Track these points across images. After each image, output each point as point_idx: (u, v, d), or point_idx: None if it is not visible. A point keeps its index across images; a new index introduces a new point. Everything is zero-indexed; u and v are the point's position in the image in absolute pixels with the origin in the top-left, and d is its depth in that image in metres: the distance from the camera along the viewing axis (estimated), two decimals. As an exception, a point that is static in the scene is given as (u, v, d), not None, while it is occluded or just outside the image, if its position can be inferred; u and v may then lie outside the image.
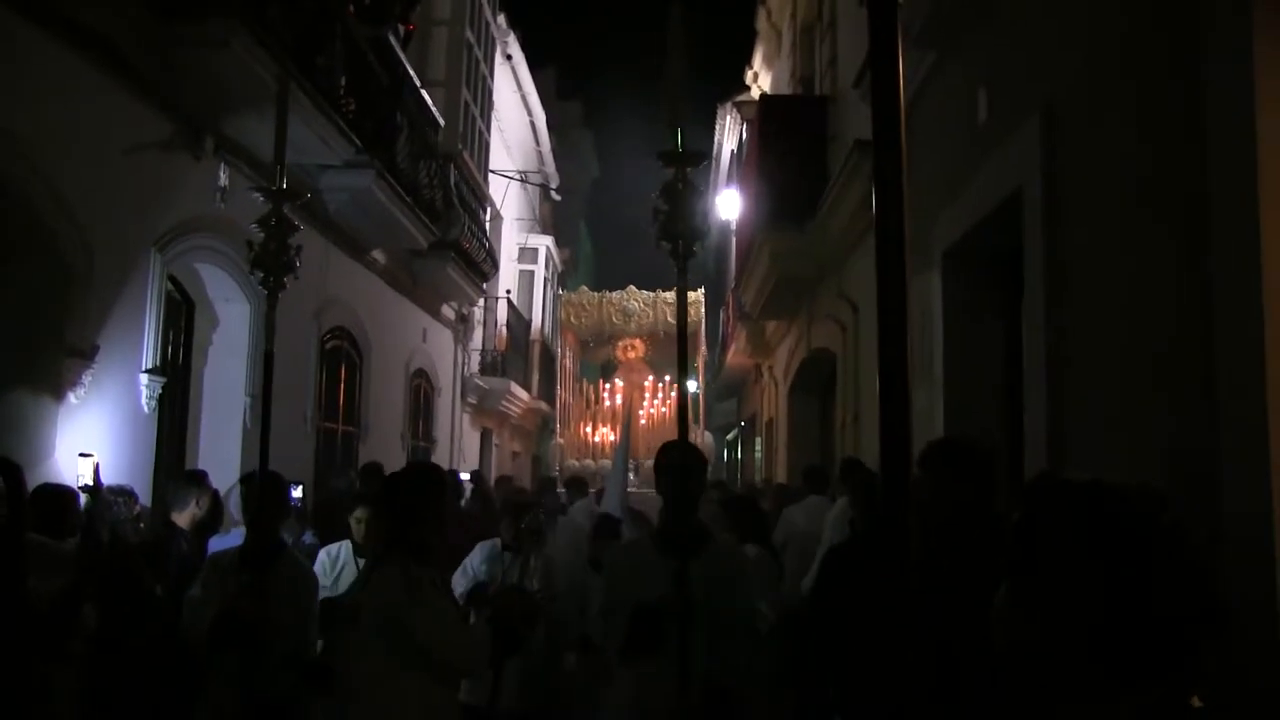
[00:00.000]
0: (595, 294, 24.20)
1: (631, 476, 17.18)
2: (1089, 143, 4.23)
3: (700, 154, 4.01)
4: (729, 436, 26.34)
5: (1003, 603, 1.38)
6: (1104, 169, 4.10)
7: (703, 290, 22.71)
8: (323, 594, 5.92)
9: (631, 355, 23.05)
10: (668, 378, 22.34)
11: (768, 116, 12.01)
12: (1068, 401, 4.34)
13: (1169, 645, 1.25)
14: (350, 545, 6.36)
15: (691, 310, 19.37)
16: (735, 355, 19.38)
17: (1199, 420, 3.19)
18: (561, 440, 22.15)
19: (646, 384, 22.19)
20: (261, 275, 4.27)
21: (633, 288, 22.26)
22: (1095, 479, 1.33)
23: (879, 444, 1.38)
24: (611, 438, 21.04)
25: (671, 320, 20.64)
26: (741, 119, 18.27)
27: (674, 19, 3.94)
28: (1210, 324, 3.15)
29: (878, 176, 1.36)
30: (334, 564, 6.27)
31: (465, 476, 11.22)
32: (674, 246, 3.93)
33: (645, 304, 21.79)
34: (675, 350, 3.98)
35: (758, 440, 17.95)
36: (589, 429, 21.78)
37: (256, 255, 4.28)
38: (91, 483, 5.51)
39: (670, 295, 20.53)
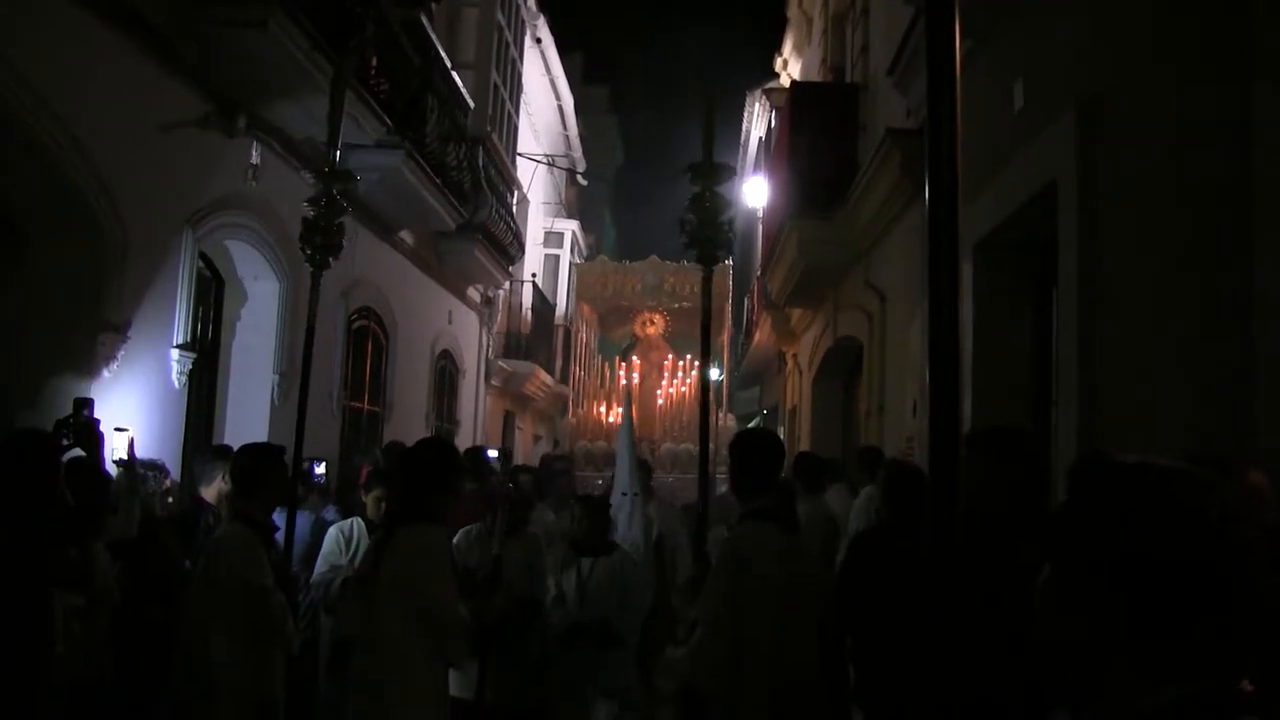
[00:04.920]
0: (614, 263, 23.92)
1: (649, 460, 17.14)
2: (1126, 135, 4.21)
3: (729, 168, 4.09)
4: (751, 425, 26.30)
5: (1046, 587, 1.38)
6: (1141, 162, 4.08)
7: (729, 260, 22.51)
8: (338, 570, 5.98)
9: (651, 331, 22.78)
10: (689, 356, 22.13)
11: (798, 104, 11.96)
12: (1098, 395, 4.33)
13: (1218, 632, 1.26)
14: (363, 522, 6.38)
15: (717, 280, 19.21)
16: (760, 342, 19.35)
17: (1234, 416, 3.18)
18: (574, 420, 22.02)
19: (666, 363, 21.99)
20: (309, 253, 4.36)
21: (655, 258, 22.03)
22: (1143, 461, 1.34)
23: (928, 433, 1.39)
24: (627, 418, 20.95)
25: (694, 290, 20.52)
26: (771, 106, 18.20)
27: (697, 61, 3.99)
28: (1248, 319, 3.13)
29: (931, 162, 1.37)
30: (349, 541, 6.26)
31: (493, 454, 11.16)
32: (700, 253, 3.99)
33: (669, 274, 21.52)
34: (696, 326, 4.04)
35: (780, 429, 17.93)
36: (603, 409, 21.60)
37: (305, 231, 4.38)
38: (126, 457, 5.57)
39: (694, 266, 20.41)
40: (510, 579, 6.29)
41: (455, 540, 6.40)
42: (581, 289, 22.14)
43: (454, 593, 4.16)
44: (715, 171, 3.95)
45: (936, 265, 1.36)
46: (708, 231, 3.89)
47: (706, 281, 4.09)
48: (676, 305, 22.32)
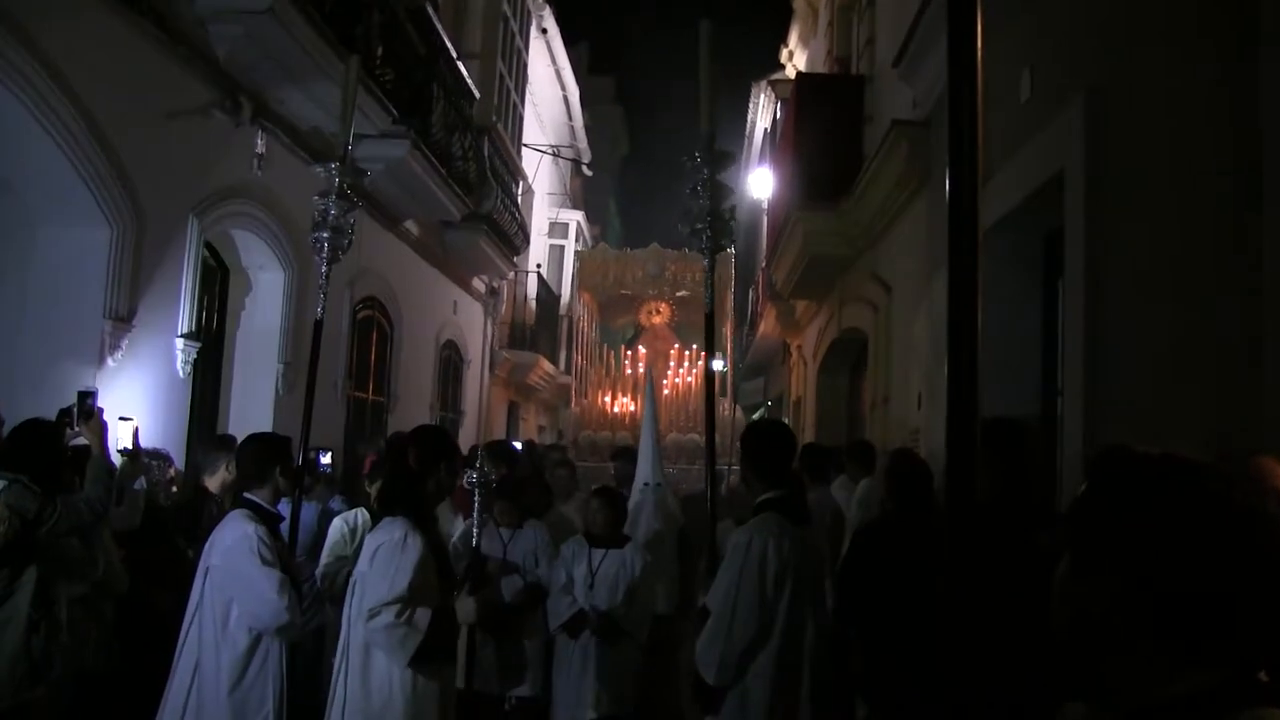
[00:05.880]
0: (615, 250, 23.83)
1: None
2: (1134, 123, 4.19)
3: (730, 155, 4.13)
4: (755, 416, 26.28)
5: (1065, 575, 1.37)
6: (1148, 151, 4.06)
7: (732, 249, 22.39)
8: (344, 561, 5.96)
9: (657, 320, 22.71)
10: (694, 346, 22.13)
11: (803, 95, 11.92)
12: (1105, 384, 4.32)
13: (1237, 625, 1.25)
14: (367, 513, 6.35)
15: (720, 269, 19.11)
16: (764, 334, 19.33)
17: (1241, 407, 3.17)
18: (578, 409, 21.92)
19: (672, 352, 21.93)
20: (321, 245, 4.38)
21: (656, 245, 21.94)
22: (1166, 453, 1.33)
23: (945, 423, 1.39)
24: (633, 408, 20.84)
25: (695, 278, 20.52)
26: (776, 97, 18.17)
27: (704, 35, 4.00)
28: (1256, 310, 3.12)
29: (952, 149, 1.35)
30: (354, 532, 6.22)
31: (518, 445, 11.10)
32: (704, 242, 4.00)
33: (671, 262, 21.43)
34: (698, 314, 4.03)
35: (785, 420, 17.92)
36: (608, 399, 21.50)
37: (317, 223, 4.40)
38: (130, 446, 5.58)
39: (695, 254, 20.43)
40: (514, 566, 6.30)
41: (461, 529, 6.40)
42: (582, 277, 22.07)
43: (403, 588, 3.98)
44: (719, 157, 3.94)
45: (957, 252, 1.34)
46: (711, 219, 3.87)
47: (710, 272, 4.06)
48: (678, 294, 22.25)
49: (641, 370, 21.15)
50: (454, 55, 12.68)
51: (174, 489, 6.43)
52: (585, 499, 7.94)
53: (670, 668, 7.07)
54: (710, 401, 4.84)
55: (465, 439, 14.09)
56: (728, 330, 22.78)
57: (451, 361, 15.08)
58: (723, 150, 4.27)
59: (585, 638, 5.99)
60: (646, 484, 7.40)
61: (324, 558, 6.10)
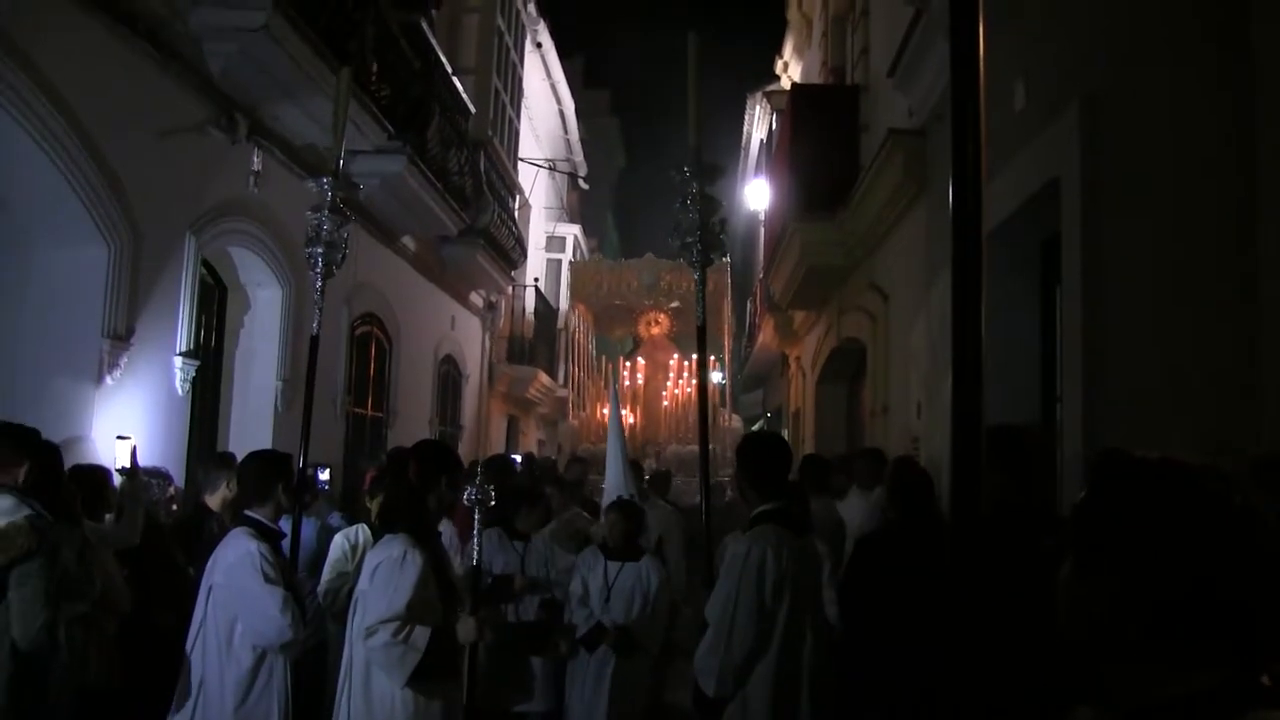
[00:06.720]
0: (610, 261, 23.72)
1: (652, 463, 17.04)
2: (1129, 131, 4.20)
3: (719, 168, 4.14)
4: (755, 428, 26.24)
5: (1068, 578, 1.37)
6: (1144, 158, 4.07)
7: (727, 258, 22.19)
8: (345, 578, 5.94)
9: (655, 331, 22.64)
10: (694, 357, 22.23)
11: (798, 106, 11.94)
12: (1103, 392, 4.32)
13: (1237, 626, 1.25)
14: (368, 529, 6.33)
15: (714, 278, 18.99)
16: (763, 345, 19.32)
17: (1241, 411, 3.17)
18: (575, 422, 21.85)
19: (671, 363, 21.88)
20: (315, 260, 4.39)
21: (650, 255, 21.84)
22: (1165, 456, 1.33)
23: (951, 432, 1.39)
24: (630, 420, 20.80)
25: (690, 288, 20.54)
26: (771, 109, 18.20)
27: (691, 48, 4.02)
28: (1253, 314, 3.12)
29: (956, 162, 1.36)
30: (355, 548, 6.18)
31: (517, 459, 11.10)
32: (694, 255, 4.01)
33: (665, 271, 21.35)
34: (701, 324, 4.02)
35: (784, 432, 17.89)
36: (606, 410, 21.52)
37: (311, 238, 4.41)
38: (129, 465, 5.57)
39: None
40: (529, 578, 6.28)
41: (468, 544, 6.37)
42: (576, 287, 22.01)
43: (401, 606, 3.96)
44: (708, 170, 3.94)
45: (961, 257, 1.35)
46: (701, 232, 3.88)
47: (701, 286, 4.06)
48: (673, 304, 22.19)
49: (640, 382, 21.13)
50: (449, 70, 12.70)
51: (174, 507, 6.42)
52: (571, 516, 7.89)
53: (668, 678, 7.06)
54: (703, 415, 4.83)
55: (464, 453, 14.07)
56: (725, 341, 22.72)
57: (450, 376, 15.07)
58: (711, 163, 4.28)
59: (601, 651, 5.96)
60: (620, 497, 7.36)
61: (325, 574, 6.07)
